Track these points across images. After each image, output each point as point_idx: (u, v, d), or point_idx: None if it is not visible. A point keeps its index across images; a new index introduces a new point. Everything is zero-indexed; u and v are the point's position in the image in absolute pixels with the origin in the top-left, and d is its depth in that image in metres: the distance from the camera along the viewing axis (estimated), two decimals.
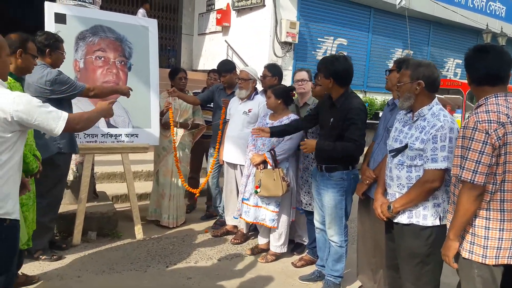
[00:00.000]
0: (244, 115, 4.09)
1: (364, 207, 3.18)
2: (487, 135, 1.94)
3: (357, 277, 3.40)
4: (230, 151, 4.20)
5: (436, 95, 2.47)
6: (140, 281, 3.30)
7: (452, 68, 13.45)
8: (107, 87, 3.83)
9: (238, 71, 4.66)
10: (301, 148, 3.20)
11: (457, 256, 2.12)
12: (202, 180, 5.18)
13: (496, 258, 2.01)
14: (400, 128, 2.51)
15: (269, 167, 3.62)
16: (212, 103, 4.76)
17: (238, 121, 4.14)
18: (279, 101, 3.70)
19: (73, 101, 3.56)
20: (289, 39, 9.37)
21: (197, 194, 4.77)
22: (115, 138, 4.15)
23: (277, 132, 3.51)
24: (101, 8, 4.72)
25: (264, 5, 9.40)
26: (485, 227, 2.03)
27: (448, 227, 2.23)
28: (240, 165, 4.12)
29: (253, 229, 4.37)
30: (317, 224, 3.46)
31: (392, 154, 2.49)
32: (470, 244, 2.07)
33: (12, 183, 2.01)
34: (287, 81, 8.71)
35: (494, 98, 2.04)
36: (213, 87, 4.77)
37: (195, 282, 3.35)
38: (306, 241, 3.98)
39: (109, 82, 4.11)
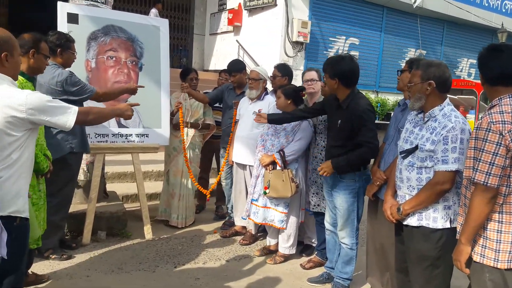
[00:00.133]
0: (254, 115, 4.07)
1: (373, 208, 3.14)
2: (501, 136, 1.89)
3: (367, 279, 3.36)
4: (239, 152, 4.20)
5: (449, 96, 2.43)
6: (148, 281, 3.30)
7: (466, 68, 13.27)
8: (115, 89, 3.83)
9: (248, 71, 4.66)
10: (321, 174, 3.14)
11: (469, 260, 2.07)
12: (211, 180, 5.19)
13: (508, 262, 1.97)
14: (410, 129, 2.48)
15: (278, 168, 3.60)
16: (221, 103, 4.76)
17: (248, 122, 4.13)
18: (289, 101, 3.68)
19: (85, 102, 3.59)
20: (301, 39, 9.34)
21: (208, 195, 4.78)
22: (126, 138, 4.17)
23: (276, 120, 3.57)
24: (114, 8, 4.76)
25: (275, 5, 9.39)
26: (498, 230, 1.99)
27: (458, 230, 2.19)
28: (249, 165, 4.11)
29: (262, 230, 4.35)
30: (327, 225, 3.43)
31: (402, 155, 2.45)
32: (482, 247, 2.02)
33: (23, 181, 2.03)
34: (298, 81, 8.67)
35: (508, 99, 1.99)
36: (223, 87, 4.77)
37: (203, 283, 3.35)
38: (315, 242, 3.95)
39: (120, 82, 4.13)
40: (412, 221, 2.40)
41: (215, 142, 4.88)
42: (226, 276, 3.50)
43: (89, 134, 3.83)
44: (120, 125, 4.14)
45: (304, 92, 3.83)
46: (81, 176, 4.17)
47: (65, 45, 3.41)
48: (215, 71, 10.15)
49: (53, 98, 2.09)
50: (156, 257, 3.76)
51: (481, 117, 2.03)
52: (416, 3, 9.94)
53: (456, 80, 9.57)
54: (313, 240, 4.04)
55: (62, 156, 3.34)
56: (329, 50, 10.19)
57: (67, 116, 2.05)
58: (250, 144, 4.07)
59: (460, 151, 2.21)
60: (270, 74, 4.32)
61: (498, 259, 1.97)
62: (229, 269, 3.64)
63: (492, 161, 1.91)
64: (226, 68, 4.90)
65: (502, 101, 2.00)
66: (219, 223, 4.74)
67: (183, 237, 4.28)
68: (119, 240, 4.06)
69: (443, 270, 2.37)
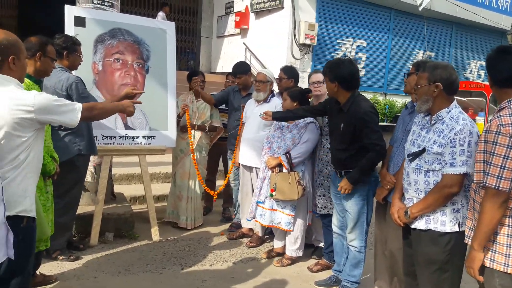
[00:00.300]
0: (260, 117, 4.07)
1: (382, 211, 3.12)
2: (511, 139, 1.87)
3: (375, 282, 3.34)
4: (246, 154, 4.19)
5: (457, 98, 2.41)
6: (155, 283, 3.31)
7: (475, 70, 13.17)
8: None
9: (254, 73, 4.66)
10: (342, 192, 3.10)
11: (482, 267, 2.03)
12: (218, 182, 5.19)
13: None
14: (418, 132, 2.46)
15: (284, 170, 3.59)
16: (227, 105, 4.77)
17: (254, 124, 4.13)
18: (295, 104, 3.67)
19: None
20: (308, 41, 9.34)
21: (215, 197, 4.78)
22: (133, 140, 4.19)
23: (280, 118, 3.67)
24: (121, 11, 4.78)
25: (282, 7, 9.39)
26: (508, 235, 1.96)
27: (467, 233, 2.16)
28: (256, 167, 4.10)
29: (269, 233, 4.34)
30: (335, 228, 3.41)
31: (410, 158, 2.43)
32: (492, 252, 2.00)
33: (29, 181, 2.05)
34: (305, 83, 8.66)
35: None
36: (229, 89, 4.78)
37: (210, 285, 3.35)
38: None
39: (127, 84, 4.14)
40: (420, 224, 2.38)
41: (222, 144, 4.88)
42: (233, 278, 3.49)
43: (96, 136, 3.85)
44: (127, 127, 4.15)
45: (310, 94, 3.82)
46: (88, 178, 4.19)
47: (72, 48, 3.43)
48: (222, 73, 10.18)
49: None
50: (163, 258, 3.77)
51: (490, 119, 2.01)
52: (421, 6, 9.88)
53: (465, 82, 9.50)
54: (322, 244, 4.01)
55: (70, 158, 3.36)
56: (336, 52, 10.17)
57: (73, 114, 2.11)
58: (256, 146, 4.06)
59: (468, 154, 2.18)
60: (276, 76, 4.32)
61: (508, 264, 1.95)
62: (236, 271, 3.63)
63: (503, 164, 1.88)
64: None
65: (511, 103, 1.98)
66: (226, 225, 4.74)
67: (190, 239, 4.28)
68: (127, 241, 4.08)
69: (451, 274, 2.34)
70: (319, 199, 3.69)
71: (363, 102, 3.08)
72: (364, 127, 2.97)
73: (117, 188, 5.12)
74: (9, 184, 1.93)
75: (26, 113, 1.92)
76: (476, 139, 2.19)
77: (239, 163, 4.32)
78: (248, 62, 9.56)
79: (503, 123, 1.90)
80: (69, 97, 3.30)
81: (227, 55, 11.19)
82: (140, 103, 3.04)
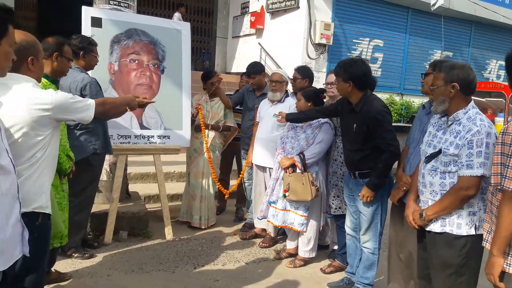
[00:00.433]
0: (274, 117, 4.06)
1: (398, 214, 3.07)
2: None
3: (388, 285, 3.29)
4: (259, 154, 4.19)
5: (476, 98, 2.35)
6: (167, 282, 3.33)
7: (495, 70, 12.91)
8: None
9: (269, 73, 4.65)
10: (364, 200, 3.05)
11: (502, 273, 1.97)
12: (232, 182, 5.20)
13: None
14: (434, 133, 2.41)
15: (298, 171, 3.57)
16: (241, 105, 4.78)
17: (268, 124, 4.12)
18: (309, 104, 3.65)
19: None
20: (323, 41, 9.28)
21: (227, 195, 4.79)
22: (148, 140, 4.22)
23: (293, 119, 3.68)
24: (138, 12, 4.83)
25: (298, 7, 9.36)
26: None
27: (485, 236, 2.12)
28: (269, 168, 4.09)
29: (282, 233, 4.32)
30: (348, 230, 3.38)
31: (425, 159, 2.39)
32: (509, 256, 1.94)
33: (45, 178, 2.09)
34: (320, 83, 8.63)
35: None
36: (243, 89, 4.79)
37: (222, 285, 3.35)
38: None
39: (143, 84, 4.19)
40: (435, 227, 2.33)
41: (235, 144, 4.89)
42: (245, 278, 3.49)
43: (112, 136, 3.89)
44: (142, 127, 4.19)
45: (324, 94, 3.79)
46: (104, 177, 4.24)
47: (88, 48, 3.48)
48: (237, 73, 10.19)
49: None
50: (176, 257, 3.79)
51: (509, 121, 1.96)
52: (435, 6, 9.72)
53: (484, 82, 9.33)
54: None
55: (85, 157, 3.40)
56: (352, 52, 10.09)
57: (88, 110, 2.20)
58: (270, 146, 4.05)
59: (486, 156, 2.13)
60: (290, 76, 4.30)
61: None
62: (248, 271, 3.63)
63: None
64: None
65: None
66: (239, 225, 4.74)
67: (203, 238, 4.30)
68: (140, 240, 4.11)
69: (467, 279, 2.29)
70: (333, 200, 3.66)
71: (376, 102, 3.04)
72: (377, 126, 2.94)
73: (132, 187, 5.16)
74: (26, 181, 1.97)
75: (44, 111, 1.97)
76: (494, 140, 2.13)
77: (253, 163, 4.32)
78: (263, 62, 9.55)
79: None
80: (82, 97, 3.34)
81: (242, 55, 11.20)
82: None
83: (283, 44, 9.67)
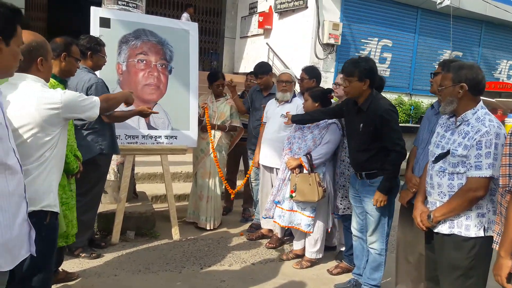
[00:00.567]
0: (281, 118, 4.05)
1: (407, 215, 3.03)
2: None
3: (396, 286, 3.26)
4: (266, 154, 4.18)
5: (486, 98, 2.32)
6: (174, 282, 3.33)
7: (505, 70, 12.76)
8: (128, 113, 3.58)
9: (277, 74, 4.64)
10: (378, 206, 3.03)
11: (510, 275, 1.94)
12: (238, 183, 5.19)
13: None
14: (442, 133, 2.39)
15: (305, 171, 3.56)
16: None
17: (275, 124, 4.10)
18: (317, 104, 3.63)
19: None
20: (332, 41, 9.24)
21: (233, 195, 4.79)
22: (155, 140, 4.23)
23: (298, 121, 3.67)
24: (146, 12, 4.84)
25: (306, 7, 9.34)
26: None
27: (495, 238, 2.09)
28: (276, 168, 4.08)
29: (288, 234, 4.31)
30: (354, 231, 3.36)
31: (433, 160, 2.36)
32: None
33: (53, 177, 2.11)
34: (328, 83, 8.59)
35: None
36: (250, 91, 4.78)
37: (229, 285, 3.35)
38: None
39: (151, 85, 4.20)
40: (443, 228, 2.31)
41: (242, 144, 4.88)
42: (251, 279, 3.48)
43: (119, 136, 3.91)
44: (149, 127, 4.20)
45: (332, 94, 3.77)
46: (111, 177, 4.26)
47: (95, 48, 3.49)
48: (244, 74, 10.18)
49: None
50: (183, 258, 3.79)
51: None
52: (441, 4, 9.62)
53: (494, 83, 9.24)
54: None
55: (92, 157, 3.41)
56: (360, 52, 10.03)
57: (94, 108, 2.30)
58: (277, 146, 4.04)
59: (495, 157, 2.10)
60: (298, 76, 4.29)
61: None
62: (255, 272, 3.62)
63: None
64: (253, 70, 4.92)
65: None
66: (246, 226, 4.74)
67: (209, 239, 4.30)
68: (147, 240, 4.12)
69: (476, 281, 2.26)
70: (341, 201, 3.64)
71: (382, 101, 3.02)
72: (384, 125, 2.92)
73: (139, 187, 5.18)
74: (35, 180, 1.99)
75: (54, 110, 2.01)
76: (503, 141, 2.10)
77: (259, 164, 4.31)
78: (271, 62, 9.54)
79: None
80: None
81: (250, 56, 11.20)
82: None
83: (291, 44, 9.65)
